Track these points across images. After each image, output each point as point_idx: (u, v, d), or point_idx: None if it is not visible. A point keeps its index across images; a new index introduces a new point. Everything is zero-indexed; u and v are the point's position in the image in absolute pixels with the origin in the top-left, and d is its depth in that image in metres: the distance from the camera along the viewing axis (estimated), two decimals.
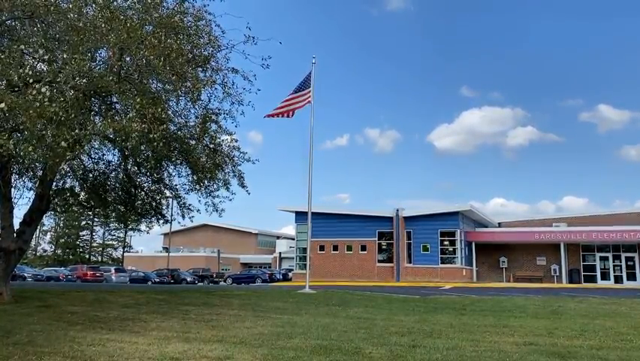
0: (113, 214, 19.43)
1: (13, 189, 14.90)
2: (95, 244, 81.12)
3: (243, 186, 15.89)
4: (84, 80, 9.80)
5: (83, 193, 17.09)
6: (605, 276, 37.72)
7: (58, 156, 9.40)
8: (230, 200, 16.08)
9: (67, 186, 16.88)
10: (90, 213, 47.46)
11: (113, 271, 45.65)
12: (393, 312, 12.60)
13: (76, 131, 9.46)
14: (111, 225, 75.23)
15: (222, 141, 14.72)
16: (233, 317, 10.97)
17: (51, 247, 79.27)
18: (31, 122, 8.22)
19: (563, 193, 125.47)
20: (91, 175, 16.32)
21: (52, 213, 32.01)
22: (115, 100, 12.20)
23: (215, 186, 15.62)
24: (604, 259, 38.15)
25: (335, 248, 39.79)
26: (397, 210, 38.31)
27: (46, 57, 9.80)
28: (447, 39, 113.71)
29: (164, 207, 18.00)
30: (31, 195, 15.41)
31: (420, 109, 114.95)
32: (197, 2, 12.77)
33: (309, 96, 23.79)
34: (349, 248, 39.49)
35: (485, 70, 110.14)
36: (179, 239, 69.65)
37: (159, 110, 10.72)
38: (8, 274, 14.30)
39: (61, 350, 6.91)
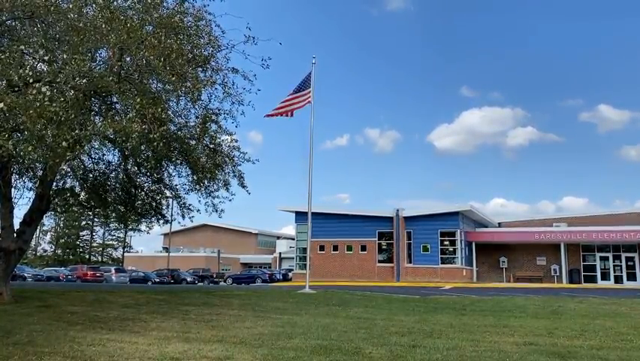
0: (113, 214, 19.44)
1: (13, 189, 14.92)
2: (95, 244, 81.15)
3: (243, 186, 15.90)
4: (84, 81, 9.79)
5: (83, 193, 17.09)
6: (605, 276, 37.71)
7: (58, 156, 9.40)
8: (230, 200, 16.11)
9: (67, 186, 16.89)
10: (90, 213, 47.48)
11: (113, 271, 45.64)
12: (393, 312, 12.60)
13: (77, 131, 9.46)
14: (111, 225, 75.20)
15: (222, 141, 14.74)
16: (234, 317, 10.97)
17: (51, 247, 79.32)
18: (32, 122, 8.22)
19: (563, 193, 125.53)
20: (91, 175, 16.32)
21: (53, 213, 31.97)
22: (115, 100, 12.20)
23: (215, 187, 15.64)
24: (604, 259, 38.14)
25: (335, 248, 39.79)
26: (397, 211, 38.31)
27: (46, 57, 9.80)
28: (447, 39, 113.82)
29: (164, 208, 18.02)
30: (31, 195, 15.44)
31: (420, 109, 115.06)
32: (198, 2, 12.80)
33: (309, 96, 23.79)
34: (349, 248, 39.49)
35: (485, 70, 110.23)
36: (179, 239, 69.65)
37: (159, 110, 10.73)
38: (8, 274, 14.31)
39: (61, 350, 6.91)
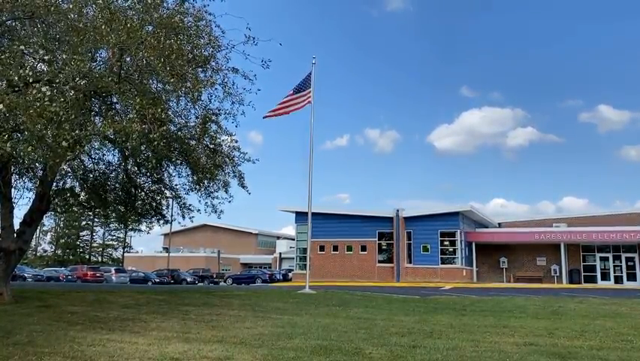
0: (113, 214, 19.44)
1: (13, 190, 14.91)
2: (95, 245, 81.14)
3: (243, 186, 15.91)
4: (84, 81, 9.79)
5: (83, 193, 17.09)
6: (605, 276, 37.70)
7: (58, 156, 9.40)
8: (230, 201, 16.12)
9: (67, 186, 16.89)
10: (90, 213, 47.43)
11: (113, 271, 45.62)
12: (393, 312, 12.60)
13: (77, 131, 9.46)
14: (111, 225, 75.14)
15: (222, 141, 14.74)
16: (234, 318, 10.97)
17: (51, 248, 79.29)
18: (32, 122, 8.22)
19: (563, 194, 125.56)
20: (91, 175, 16.32)
21: (53, 213, 32.00)
22: (115, 100, 12.20)
23: (215, 187, 15.65)
24: (604, 259, 38.13)
25: (335, 248, 39.79)
26: (397, 211, 38.31)
27: (46, 57, 9.79)
28: (447, 39, 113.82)
29: (164, 208, 18.02)
30: (31, 195, 15.44)
31: (420, 109, 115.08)
32: (198, 2, 12.80)
33: (309, 96, 23.78)
34: (349, 248, 39.49)
35: (485, 70, 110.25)
36: (179, 239, 69.64)
37: (159, 110, 10.73)
38: (8, 275, 14.30)
39: (61, 350, 6.91)
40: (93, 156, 15.86)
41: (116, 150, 15.04)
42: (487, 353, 7.18)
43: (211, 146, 14.67)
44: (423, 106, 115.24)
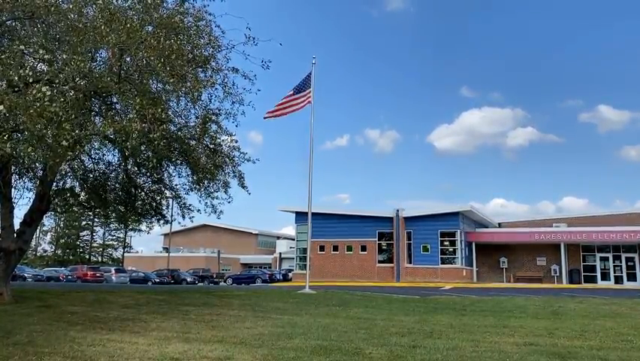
0: (114, 214, 19.43)
1: (13, 190, 14.92)
2: (95, 245, 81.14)
3: (243, 186, 15.91)
4: (84, 81, 9.79)
5: (83, 193, 17.09)
6: (605, 276, 37.70)
7: (58, 155, 9.40)
8: (229, 202, 16.12)
9: (67, 186, 16.89)
10: (90, 213, 47.48)
11: (113, 271, 45.61)
12: (393, 312, 12.60)
13: (77, 131, 9.46)
14: (111, 225, 75.15)
15: (222, 141, 14.75)
16: (234, 318, 10.97)
17: (51, 248, 79.30)
18: (32, 122, 8.22)
19: (563, 194, 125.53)
20: (91, 175, 16.33)
21: (53, 213, 32.02)
22: (115, 100, 12.20)
23: (215, 187, 15.65)
24: (604, 259, 38.13)
25: (335, 248, 39.78)
26: (397, 211, 38.30)
27: (46, 57, 9.79)
28: (447, 39, 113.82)
29: (164, 208, 18.02)
30: (31, 195, 15.45)
31: (420, 109, 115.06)
32: (198, 3, 12.81)
33: (309, 97, 23.76)
34: (349, 248, 39.48)
35: (485, 70, 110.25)
36: (179, 239, 69.63)
37: (159, 110, 10.73)
38: (8, 275, 14.31)
39: (61, 350, 6.92)
40: (93, 156, 15.87)
41: (116, 150, 15.04)
42: (487, 353, 7.18)
43: (211, 146, 14.68)
44: (423, 106, 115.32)
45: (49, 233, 77.10)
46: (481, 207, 56.34)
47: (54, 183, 15.46)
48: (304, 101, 23.66)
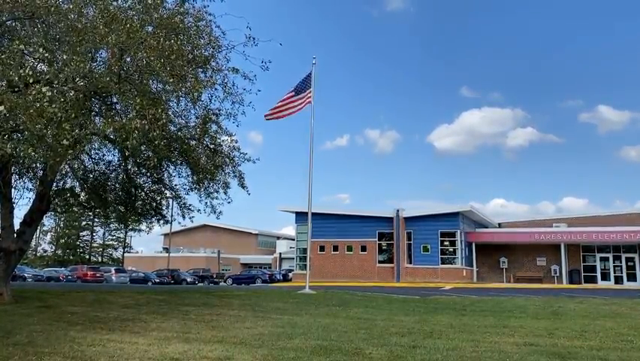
0: (114, 215, 19.43)
1: (13, 190, 14.91)
2: (95, 245, 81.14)
3: (243, 186, 15.91)
4: (84, 81, 9.79)
5: (83, 194, 17.09)
6: (605, 276, 37.70)
7: (58, 155, 9.40)
8: (229, 202, 16.13)
9: (67, 186, 16.89)
10: (90, 213, 47.47)
11: (113, 271, 45.63)
12: (393, 312, 12.60)
13: (77, 131, 9.46)
14: (111, 225, 75.15)
15: (222, 141, 14.75)
16: (234, 318, 10.97)
17: (51, 248, 79.31)
18: (32, 122, 8.23)
19: (563, 194, 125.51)
20: (91, 176, 16.33)
21: (53, 213, 32.00)
22: (115, 100, 12.20)
23: (215, 187, 15.66)
24: (604, 259, 38.13)
25: (335, 248, 39.78)
26: (397, 211, 38.30)
27: (47, 55, 9.79)
28: (447, 39, 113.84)
29: (164, 208, 18.02)
30: (31, 195, 15.45)
31: (420, 109, 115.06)
32: (198, 3, 12.80)
33: (310, 97, 23.75)
34: (349, 248, 39.48)
35: (485, 70, 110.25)
36: (180, 239, 69.63)
37: (159, 110, 10.72)
38: (9, 275, 14.30)
39: (61, 350, 6.92)
40: (93, 156, 15.88)
41: (116, 150, 15.05)
42: (487, 353, 7.18)
43: (211, 146, 14.68)
44: (423, 106, 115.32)
45: (49, 233, 77.19)
46: (481, 208, 56.37)
47: (54, 183, 15.46)
48: (304, 102, 23.63)
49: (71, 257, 75.35)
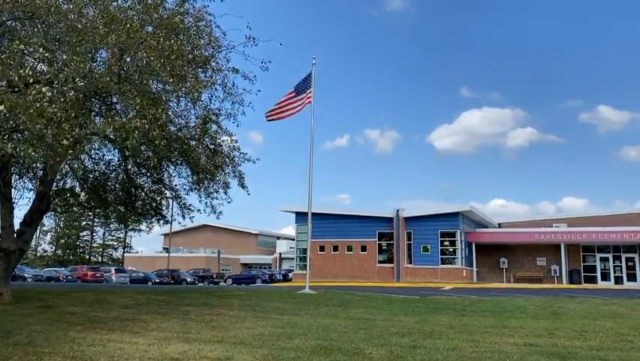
0: (114, 215, 19.42)
1: (13, 190, 14.91)
2: (95, 245, 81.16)
3: (243, 186, 15.91)
4: (84, 81, 9.79)
5: (83, 194, 17.09)
6: (605, 277, 37.69)
7: (58, 155, 9.40)
8: (229, 202, 16.13)
9: (67, 186, 16.89)
10: (90, 213, 47.47)
11: (113, 271, 45.64)
12: (393, 313, 12.60)
13: (77, 130, 9.46)
14: (111, 225, 75.13)
15: (222, 141, 14.75)
16: (234, 318, 10.97)
17: (51, 248, 79.32)
18: (32, 122, 8.23)
19: (563, 194, 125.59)
20: (91, 176, 16.32)
21: (53, 213, 32.02)
22: (115, 100, 12.20)
23: (215, 187, 15.65)
24: (604, 259, 38.12)
25: (335, 249, 39.78)
26: (397, 211, 38.29)
27: (47, 54, 9.79)
28: (446, 39, 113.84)
29: (164, 208, 18.02)
30: (32, 195, 15.45)
31: (420, 110, 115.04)
32: (198, 3, 12.80)
33: (310, 97, 23.74)
34: (349, 249, 39.48)
35: (485, 70, 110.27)
36: (180, 240, 69.63)
37: (159, 110, 10.72)
38: (8, 275, 14.30)
39: (61, 350, 6.92)
40: (93, 156, 15.88)
41: (116, 150, 15.05)
42: (487, 353, 7.18)
43: (211, 146, 14.68)
44: (423, 106, 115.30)
45: (49, 233, 77.22)
46: (481, 208, 56.35)
47: (54, 183, 15.46)
48: (304, 102, 23.60)
49: (71, 257, 75.35)
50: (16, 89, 8.83)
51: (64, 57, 9.81)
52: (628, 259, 37.36)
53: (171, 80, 10.84)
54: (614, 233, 35.77)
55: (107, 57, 11.43)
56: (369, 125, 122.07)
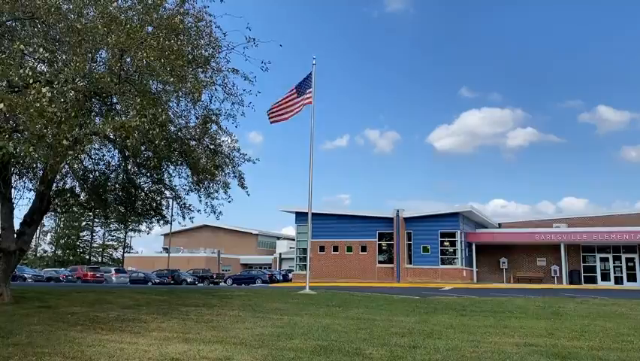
0: (114, 215, 19.41)
1: (13, 190, 14.90)
2: (95, 245, 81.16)
3: (242, 186, 15.89)
4: (84, 82, 9.79)
5: (83, 194, 17.08)
6: (605, 277, 37.68)
7: (59, 155, 9.40)
8: (229, 202, 16.12)
9: (67, 186, 16.87)
10: (90, 213, 47.46)
11: (113, 271, 45.63)
12: (393, 313, 12.59)
13: (76, 130, 9.46)
14: (111, 225, 75.23)
15: (223, 141, 14.75)
16: (234, 318, 10.97)
17: (51, 248, 79.32)
18: (32, 122, 8.22)
19: (563, 194, 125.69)
20: (91, 176, 16.31)
21: (53, 213, 32.11)
22: (115, 101, 12.20)
23: (215, 188, 15.65)
24: (604, 260, 38.11)
25: (335, 249, 39.77)
26: (397, 211, 38.28)
27: (47, 54, 9.78)
28: (446, 40, 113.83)
29: (164, 208, 18.00)
30: (32, 195, 15.43)
31: (420, 110, 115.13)
32: (198, 3, 12.79)
33: (310, 98, 23.71)
34: (349, 249, 39.47)
35: (485, 71, 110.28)
36: (180, 240, 69.63)
37: (159, 110, 10.72)
38: (8, 275, 14.29)
39: (61, 350, 6.91)
40: (93, 156, 15.86)
41: (116, 151, 15.05)
42: (487, 353, 7.18)
43: (211, 146, 14.68)
44: (423, 106, 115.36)
45: (49, 233, 77.25)
46: (481, 208, 56.39)
47: (54, 183, 15.45)
48: (305, 102, 23.57)
49: (71, 257, 75.36)
50: (16, 89, 8.83)
51: (64, 57, 9.82)
52: (628, 260, 37.35)
53: (172, 80, 10.83)
54: (614, 233, 35.76)
55: (107, 57, 11.43)
56: (369, 125, 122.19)
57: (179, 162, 14.99)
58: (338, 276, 38.22)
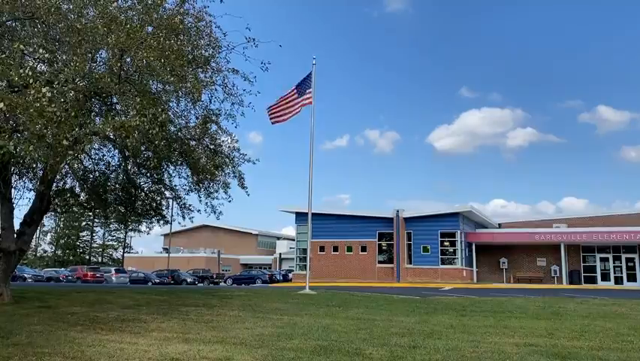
0: (113, 215, 19.40)
1: (13, 190, 14.90)
2: (95, 245, 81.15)
3: (242, 186, 15.88)
4: (84, 82, 9.79)
5: (83, 194, 17.07)
6: (605, 277, 37.68)
7: (59, 154, 9.40)
8: (229, 202, 16.12)
9: (67, 186, 16.86)
10: (90, 213, 47.44)
11: (113, 271, 45.62)
12: (393, 313, 12.59)
13: (76, 130, 9.46)
14: (111, 225, 75.21)
15: (222, 141, 14.75)
16: (234, 318, 10.97)
17: (51, 248, 79.31)
18: (32, 122, 8.22)
19: (562, 194, 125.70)
20: (91, 176, 16.31)
21: (53, 213, 32.11)
22: (115, 101, 12.20)
23: (214, 188, 15.65)
24: (604, 260, 38.11)
25: (335, 249, 39.77)
26: (397, 211, 38.29)
27: (47, 55, 9.78)
28: (446, 40, 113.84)
29: (164, 208, 17.99)
30: (32, 195, 15.43)
31: (419, 110, 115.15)
32: (198, 3, 12.79)
33: (309, 98, 23.70)
34: (349, 249, 39.47)
35: (485, 71, 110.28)
36: (180, 240, 69.61)
37: (159, 110, 10.72)
38: (8, 275, 14.29)
39: (61, 350, 6.91)
40: (93, 156, 15.85)
41: (116, 151, 15.04)
42: (487, 353, 7.18)
43: (211, 146, 14.68)
44: (423, 107, 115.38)
45: (49, 233, 77.26)
46: (481, 208, 56.37)
47: (54, 184, 15.45)
48: (305, 102, 23.56)
49: (71, 258, 75.36)
50: (16, 89, 8.83)
51: (64, 57, 9.82)
52: (628, 260, 37.35)
53: (172, 80, 10.83)
54: (614, 233, 35.76)
55: (107, 57, 11.42)
56: (369, 126, 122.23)
57: (179, 162, 14.98)
58: (338, 276, 38.22)
